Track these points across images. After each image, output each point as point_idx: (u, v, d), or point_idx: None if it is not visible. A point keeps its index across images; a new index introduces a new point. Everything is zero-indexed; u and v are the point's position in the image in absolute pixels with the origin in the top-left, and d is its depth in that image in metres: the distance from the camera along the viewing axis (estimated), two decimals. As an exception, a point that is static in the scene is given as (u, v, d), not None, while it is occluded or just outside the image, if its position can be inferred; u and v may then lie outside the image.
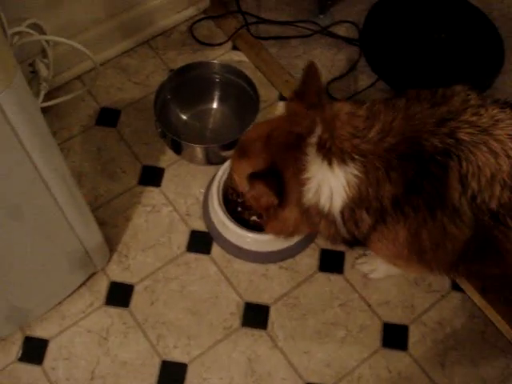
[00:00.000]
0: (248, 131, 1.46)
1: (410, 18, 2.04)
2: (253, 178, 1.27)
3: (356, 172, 1.20)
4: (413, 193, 1.19)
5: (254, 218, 1.67)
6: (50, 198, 1.28)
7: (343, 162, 1.21)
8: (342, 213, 1.25)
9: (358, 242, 1.33)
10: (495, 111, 1.22)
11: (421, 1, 2.09)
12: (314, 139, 1.24)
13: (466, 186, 1.16)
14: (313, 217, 1.29)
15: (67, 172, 1.30)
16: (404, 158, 1.19)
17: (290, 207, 1.30)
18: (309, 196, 1.25)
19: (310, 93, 1.32)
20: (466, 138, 1.17)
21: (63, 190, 1.29)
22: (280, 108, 1.88)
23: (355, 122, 1.24)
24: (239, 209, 1.68)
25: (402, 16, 2.05)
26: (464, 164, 1.16)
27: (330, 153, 1.22)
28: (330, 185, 1.23)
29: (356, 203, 1.23)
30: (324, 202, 1.24)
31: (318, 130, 1.24)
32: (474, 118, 1.20)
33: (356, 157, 1.21)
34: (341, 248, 1.68)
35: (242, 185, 1.40)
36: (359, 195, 1.22)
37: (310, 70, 1.33)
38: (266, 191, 1.28)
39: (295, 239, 1.62)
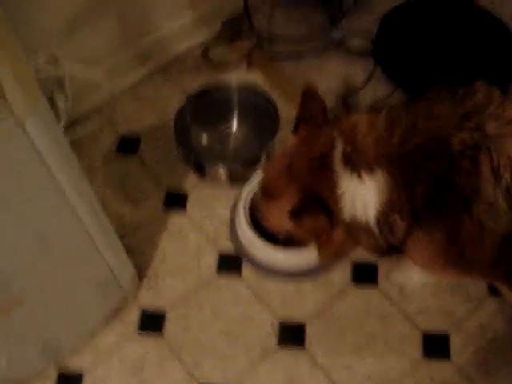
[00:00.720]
0: (266, 173, 1.44)
1: (422, 24, 2.04)
2: (297, 214, 1.27)
3: (385, 177, 1.20)
4: (446, 190, 1.17)
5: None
6: (78, 225, 1.27)
7: (371, 170, 1.21)
8: (377, 221, 1.24)
9: (396, 250, 1.31)
10: None
11: (432, 8, 2.08)
12: (337, 155, 1.23)
13: (499, 178, 1.14)
14: (355, 230, 1.28)
15: (94, 197, 1.29)
16: (431, 156, 1.17)
17: (338, 226, 1.29)
18: (347, 211, 1.24)
19: (314, 115, 1.32)
20: (493, 130, 1.15)
21: (91, 215, 1.28)
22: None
23: (376, 130, 1.23)
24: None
25: (414, 23, 2.05)
26: (495, 156, 1.14)
27: (357, 165, 1.21)
28: (362, 196, 1.22)
29: (388, 207, 1.21)
30: (360, 213, 1.24)
31: (340, 145, 1.24)
32: (500, 111, 1.18)
33: (383, 164, 1.20)
34: (373, 259, 1.66)
35: (283, 225, 1.40)
36: (390, 200, 1.21)
37: (309, 92, 1.33)
38: (315, 220, 1.28)
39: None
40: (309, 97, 1.32)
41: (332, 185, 1.24)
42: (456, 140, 1.16)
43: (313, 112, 1.31)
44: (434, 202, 1.19)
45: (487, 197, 1.15)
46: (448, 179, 1.17)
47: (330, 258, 1.44)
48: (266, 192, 1.40)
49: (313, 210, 1.26)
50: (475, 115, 1.18)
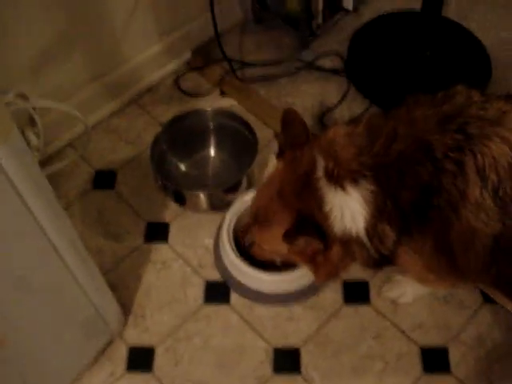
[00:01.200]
0: (255, 200, 1.43)
1: (392, 40, 2.05)
2: (290, 235, 1.25)
3: (370, 187, 1.17)
4: (433, 195, 1.14)
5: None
6: (59, 262, 1.21)
7: (355, 181, 1.18)
8: (367, 232, 1.21)
9: (386, 260, 1.27)
10: (500, 104, 1.18)
11: (400, 23, 2.10)
12: (320, 172, 1.21)
13: (486, 179, 1.12)
14: (349, 246, 1.25)
15: (74, 232, 1.24)
16: (416, 161, 1.15)
17: (333, 243, 1.26)
18: (337, 225, 1.22)
19: (298, 137, 1.30)
20: (475, 131, 1.14)
21: (72, 251, 1.23)
22: (273, 161, 1.85)
23: (356, 140, 1.21)
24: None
25: (384, 40, 2.06)
26: (479, 157, 1.12)
27: (340, 178, 1.19)
28: (349, 208, 1.20)
29: (377, 218, 1.19)
30: (350, 226, 1.21)
31: (321, 162, 1.22)
32: (481, 112, 1.17)
33: (366, 173, 1.17)
34: (364, 277, 1.63)
35: (278, 250, 1.38)
36: (378, 209, 1.18)
37: (289, 117, 1.32)
38: (309, 241, 1.25)
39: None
40: (289, 120, 1.30)
41: (319, 202, 1.22)
42: (438, 143, 1.14)
43: (295, 135, 1.29)
44: (422, 208, 1.16)
45: (475, 198, 1.13)
46: (434, 183, 1.14)
47: (326, 278, 1.40)
48: (258, 218, 1.38)
49: (306, 231, 1.24)
50: (456, 117, 1.16)
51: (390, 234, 1.20)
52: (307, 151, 1.26)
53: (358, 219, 1.20)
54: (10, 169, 0.96)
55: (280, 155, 1.33)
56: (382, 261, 1.27)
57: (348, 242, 1.24)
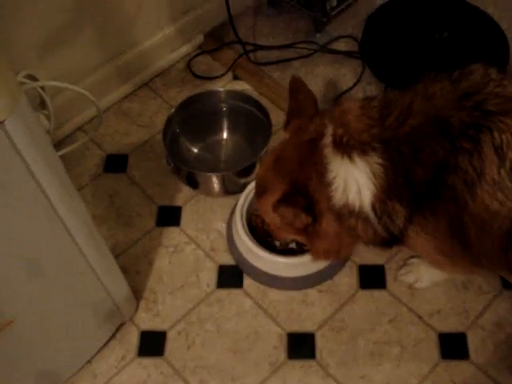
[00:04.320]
0: (258, 170, 1.41)
1: (407, 22, 2.00)
2: (275, 206, 1.22)
3: (380, 160, 1.14)
4: (448, 173, 1.11)
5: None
6: (72, 245, 1.19)
7: (364, 153, 1.15)
8: (373, 207, 1.17)
9: (396, 239, 1.24)
10: None
11: (416, 4, 2.05)
12: (328, 139, 1.18)
13: (503, 157, 1.08)
14: (348, 220, 1.21)
15: (88, 215, 1.22)
16: (431, 137, 1.12)
17: (326, 216, 1.22)
18: (337, 196, 1.18)
19: (305, 106, 1.28)
20: (493, 108, 1.11)
21: (85, 233, 1.21)
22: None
23: (370, 113, 1.19)
24: (268, 238, 1.60)
25: (399, 22, 2.02)
26: (496, 135, 1.08)
27: (349, 147, 1.16)
28: (355, 179, 1.16)
29: (386, 193, 1.15)
30: (353, 199, 1.18)
31: (330, 130, 1.19)
32: (499, 89, 1.14)
33: (377, 145, 1.14)
34: (379, 261, 1.60)
35: (274, 221, 1.35)
36: (388, 184, 1.15)
37: (296, 84, 1.30)
38: (293, 212, 1.23)
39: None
40: (296, 89, 1.28)
41: (321, 170, 1.19)
42: (455, 120, 1.11)
43: (302, 104, 1.27)
44: (435, 187, 1.13)
45: (492, 178, 1.10)
46: (450, 161, 1.11)
47: (323, 255, 1.36)
48: (257, 189, 1.37)
49: (288, 203, 1.21)
50: (474, 94, 1.13)
51: (400, 211, 1.17)
52: (317, 120, 1.24)
53: (364, 193, 1.16)
54: (21, 143, 0.93)
55: (287, 125, 1.31)
56: (391, 240, 1.24)
57: (345, 216, 1.20)
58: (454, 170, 1.11)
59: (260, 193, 1.35)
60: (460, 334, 1.49)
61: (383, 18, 2.04)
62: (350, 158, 1.16)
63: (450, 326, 1.50)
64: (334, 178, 1.17)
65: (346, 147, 1.16)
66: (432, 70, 1.25)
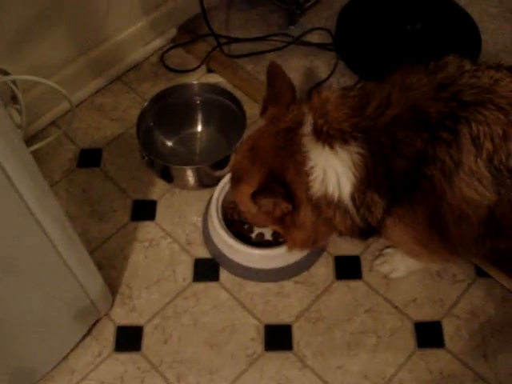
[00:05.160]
0: (233, 158, 1.40)
1: (381, 14, 2.01)
2: (254, 195, 1.21)
3: (360, 150, 1.14)
4: (426, 163, 1.12)
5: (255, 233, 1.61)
6: (45, 241, 1.17)
7: (345, 142, 1.15)
8: (352, 198, 1.18)
9: (374, 230, 1.25)
10: (492, 72, 1.17)
11: (389, -4, 2.07)
12: (307, 128, 1.18)
13: (480, 147, 1.10)
14: (325, 210, 1.21)
15: (61, 211, 1.20)
16: (410, 128, 1.13)
17: (304, 207, 1.22)
18: (316, 186, 1.18)
19: (283, 93, 1.27)
20: (469, 98, 1.12)
21: (60, 231, 1.19)
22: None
23: (349, 102, 1.19)
24: (245, 226, 1.61)
25: (373, 14, 2.02)
26: (474, 125, 1.10)
27: (329, 136, 1.16)
28: (335, 169, 1.16)
29: (366, 184, 1.16)
30: (332, 189, 1.17)
31: (309, 119, 1.19)
32: (474, 80, 1.15)
33: (357, 135, 1.15)
34: (355, 252, 1.60)
35: (250, 210, 1.34)
36: (367, 174, 1.15)
37: (274, 70, 1.29)
38: (273, 201, 1.22)
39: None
40: (275, 75, 1.27)
41: (299, 159, 1.18)
42: (433, 110, 1.13)
43: (280, 90, 1.26)
44: (415, 177, 1.14)
45: (469, 167, 1.11)
46: (429, 151, 1.12)
47: (300, 245, 1.36)
48: (233, 177, 1.35)
49: (268, 193, 1.20)
50: (450, 85, 1.15)
51: (379, 202, 1.17)
52: (294, 108, 1.23)
53: (343, 183, 1.17)
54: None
55: (263, 112, 1.30)
56: (369, 231, 1.24)
57: (323, 206, 1.20)
58: (433, 160, 1.12)
59: (236, 181, 1.33)
60: (435, 322, 1.50)
61: (357, 10, 2.05)
62: (331, 147, 1.16)
63: (426, 314, 1.51)
64: (313, 167, 1.17)
65: (326, 136, 1.16)
66: (407, 61, 1.26)
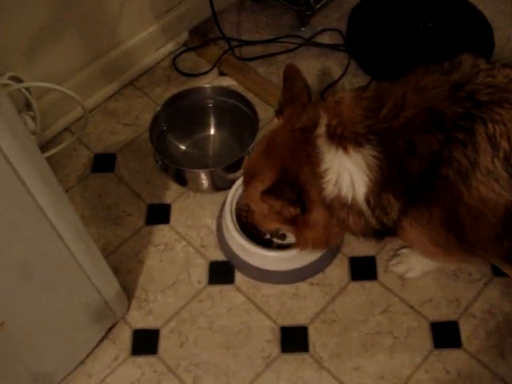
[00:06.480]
0: (247, 159, 1.41)
1: (392, 13, 2.00)
2: (263, 195, 1.21)
3: (374, 153, 1.14)
4: (442, 164, 1.11)
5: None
6: (61, 246, 1.18)
7: (359, 144, 1.15)
8: (367, 200, 1.17)
9: (389, 231, 1.24)
10: (507, 71, 1.17)
11: (400, -5, 2.06)
12: (321, 129, 1.18)
13: (497, 147, 1.09)
14: (339, 212, 1.21)
15: (76, 216, 1.21)
16: (425, 130, 1.12)
17: (316, 208, 1.22)
18: (329, 188, 1.18)
19: (299, 94, 1.27)
20: (485, 98, 1.11)
21: (74, 234, 1.20)
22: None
23: (363, 103, 1.18)
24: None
25: (383, 13, 2.01)
26: (490, 125, 1.09)
27: (343, 138, 1.16)
28: (349, 171, 1.16)
29: (380, 186, 1.15)
30: (346, 191, 1.17)
31: (324, 120, 1.18)
32: (489, 79, 1.14)
33: (371, 137, 1.14)
34: (370, 253, 1.60)
35: (261, 210, 1.34)
36: (382, 177, 1.15)
37: (291, 72, 1.29)
38: (281, 203, 1.22)
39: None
40: (291, 77, 1.28)
41: (314, 160, 1.18)
42: (449, 111, 1.12)
43: (296, 91, 1.26)
44: (430, 178, 1.13)
45: (486, 168, 1.10)
46: (445, 153, 1.11)
47: (313, 245, 1.35)
48: (245, 176, 1.35)
49: (277, 194, 1.20)
50: (465, 85, 1.14)
51: (394, 204, 1.17)
52: (310, 109, 1.23)
53: (358, 185, 1.16)
54: (6, 145, 0.93)
55: (279, 113, 1.30)
56: (384, 232, 1.24)
57: (336, 208, 1.20)
58: (449, 161, 1.11)
59: (248, 179, 1.33)
60: (452, 322, 1.49)
61: (367, 10, 2.04)
62: (345, 149, 1.15)
63: (442, 314, 1.51)
64: (327, 169, 1.17)
65: (340, 139, 1.16)
66: (420, 61, 1.25)
